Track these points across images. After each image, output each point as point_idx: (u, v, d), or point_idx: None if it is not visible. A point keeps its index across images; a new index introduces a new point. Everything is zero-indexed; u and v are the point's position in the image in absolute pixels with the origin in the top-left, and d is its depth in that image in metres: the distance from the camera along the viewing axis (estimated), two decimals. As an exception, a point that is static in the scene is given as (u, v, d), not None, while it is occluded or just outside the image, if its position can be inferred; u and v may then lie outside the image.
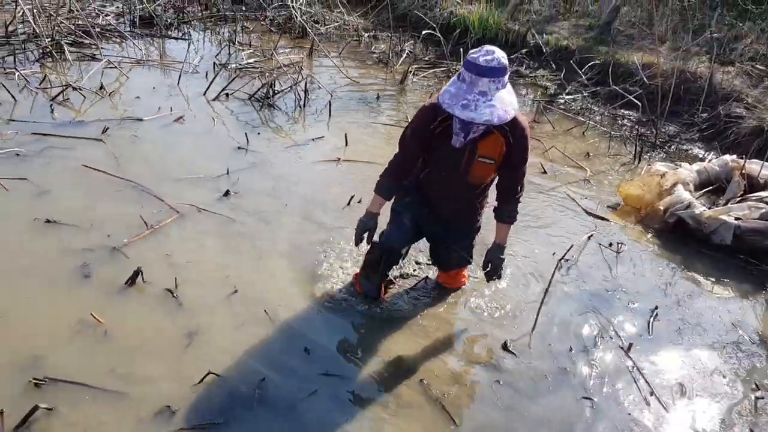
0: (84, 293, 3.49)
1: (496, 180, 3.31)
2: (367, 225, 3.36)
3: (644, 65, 7.46)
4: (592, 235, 4.59)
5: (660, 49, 7.74)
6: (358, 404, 2.96)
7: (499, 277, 3.51)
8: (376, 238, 3.44)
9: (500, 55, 2.78)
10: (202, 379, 2.96)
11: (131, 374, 2.98)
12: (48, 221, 4.03)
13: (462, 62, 2.91)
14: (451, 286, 3.82)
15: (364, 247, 3.49)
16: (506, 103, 2.80)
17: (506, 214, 3.34)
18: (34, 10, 7.65)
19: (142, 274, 3.57)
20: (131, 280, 3.56)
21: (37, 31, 7.43)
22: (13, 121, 5.49)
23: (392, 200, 3.45)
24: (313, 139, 5.85)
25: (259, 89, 6.72)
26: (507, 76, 2.83)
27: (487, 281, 3.57)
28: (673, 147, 6.58)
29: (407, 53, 8.85)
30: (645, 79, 7.18)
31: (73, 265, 3.68)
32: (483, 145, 3.07)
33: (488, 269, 3.45)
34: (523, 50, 8.93)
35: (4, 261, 3.68)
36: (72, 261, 3.72)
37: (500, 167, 3.17)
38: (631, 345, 3.50)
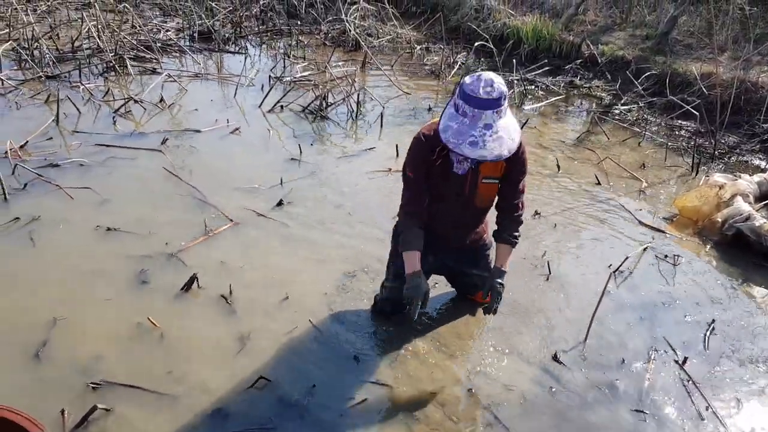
0: (141, 298, 3.59)
1: (496, 200, 3.18)
2: (419, 291, 3.02)
3: (703, 75, 7.30)
4: (647, 247, 4.51)
5: (719, 58, 7.58)
6: (407, 413, 2.96)
7: (496, 309, 3.16)
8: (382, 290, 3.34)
9: (499, 83, 2.63)
10: (254, 384, 3.01)
11: (185, 378, 3.06)
12: (109, 229, 4.18)
13: (457, 94, 2.70)
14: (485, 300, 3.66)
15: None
16: (511, 130, 2.70)
17: (508, 235, 3.16)
18: (99, 27, 7.96)
19: (197, 280, 3.67)
20: (187, 286, 3.65)
21: (102, 46, 7.75)
22: (78, 132, 5.72)
23: (398, 249, 3.16)
24: (365, 150, 5.91)
25: (312, 101, 6.82)
26: (507, 102, 2.70)
27: (485, 314, 3.23)
28: (732, 158, 6.41)
29: (459, 65, 8.87)
30: (704, 89, 7.02)
31: (132, 271, 3.80)
32: (485, 165, 2.99)
33: (489, 298, 3.15)
34: (578, 61, 8.86)
35: (68, 267, 3.83)
36: (131, 267, 3.84)
37: (500, 182, 3.07)
38: (686, 359, 3.41)
